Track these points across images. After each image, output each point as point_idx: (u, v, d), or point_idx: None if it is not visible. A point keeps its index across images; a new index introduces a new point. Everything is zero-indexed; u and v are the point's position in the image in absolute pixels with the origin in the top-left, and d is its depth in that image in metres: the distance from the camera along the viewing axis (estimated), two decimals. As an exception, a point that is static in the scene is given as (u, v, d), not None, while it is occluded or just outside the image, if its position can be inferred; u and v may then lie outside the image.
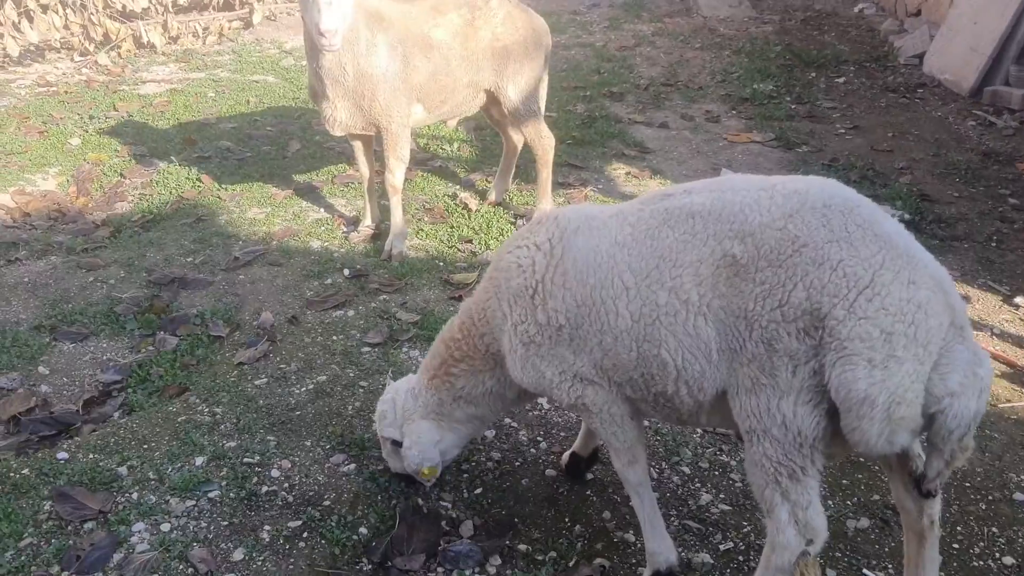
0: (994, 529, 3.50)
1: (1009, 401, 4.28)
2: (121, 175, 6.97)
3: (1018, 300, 5.19)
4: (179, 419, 4.10)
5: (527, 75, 5.78)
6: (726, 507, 3.63)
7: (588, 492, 3.72)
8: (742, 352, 2.60)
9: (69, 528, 3.43)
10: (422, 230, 6.06)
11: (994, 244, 5.97)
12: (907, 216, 6.25)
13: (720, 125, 8.36)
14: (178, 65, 9.91)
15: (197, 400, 4.25)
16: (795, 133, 8.05)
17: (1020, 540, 3.44)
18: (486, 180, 6.89)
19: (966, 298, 5.25)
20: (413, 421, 3.50)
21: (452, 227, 6.11)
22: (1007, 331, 4.93)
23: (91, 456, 3.82)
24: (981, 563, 3.34)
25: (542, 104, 6.01)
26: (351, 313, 5.02)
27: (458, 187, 6.81)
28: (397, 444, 3.57)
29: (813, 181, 2.68)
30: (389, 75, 5.22)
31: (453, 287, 5.30)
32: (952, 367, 2.42)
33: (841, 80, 9.65)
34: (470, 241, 5.91)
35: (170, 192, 6.63)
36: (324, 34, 4.74)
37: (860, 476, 3.79)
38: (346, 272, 5.47)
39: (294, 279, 5.39)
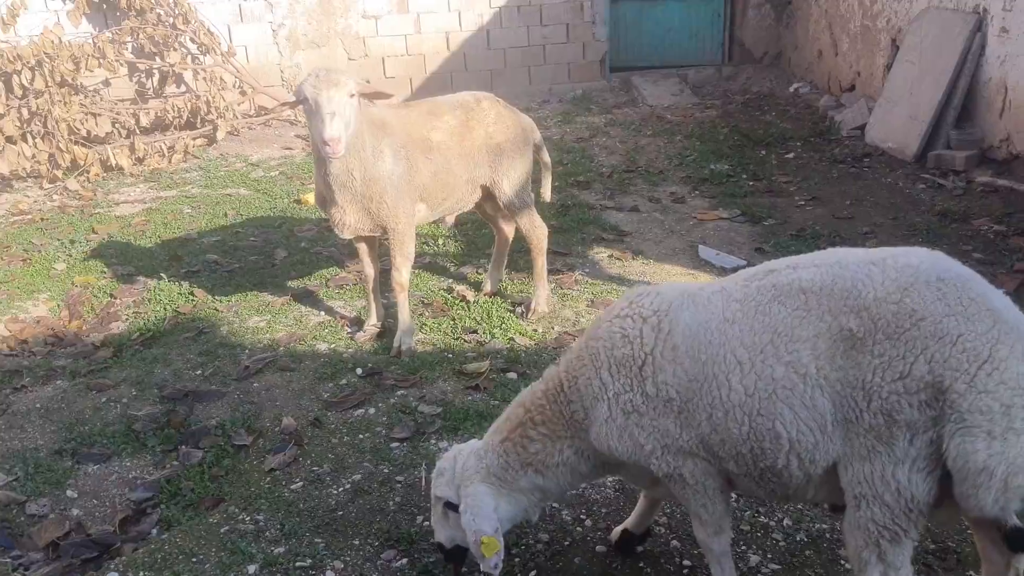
0: (1033, 562, 3.66)
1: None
2: (111, 296, 6.99)
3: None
4: (222, 530, 4.10)
5: (519, 169, 6.05)
6: (776, 567, 3.75)
7: (641, 564, 3.81)
8: (859, 423, 2.69)
9: (134, 647, 3.40)
10: (425, 324, 6.19)
11: (968, 297, 6.29)
12: (882, 277, 6.57)
13: (686, 205, 8.72)
14: (148, 185, 10.02)
15: (236, 509, 4.26)
16: (758, 208, 8.43)
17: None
18: (477, 273, 7.08)
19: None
20: (472, 483, 3.39)
21: (454, 319, 6.25)
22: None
23: (142, 574, 3.80)
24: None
25: (531, 195, 6.27)
26: (372, 411, 5.09)
27: (452, 280, 6.99)
28: (450, 508, 3.46)
29: (922, 254, 2.80)
30: (395, 178, 5.44)
31: (467, 377, 5.41)
32: None
33: (791, 156, 10.16)
34: (475, 331, 6.06)
35: (164, 308, 6.67)
36: (328, 143, 4.93)
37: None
38: (359, 371, 5.55)
39: (308, 382, 5.45)
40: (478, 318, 6.26)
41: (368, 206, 5.45)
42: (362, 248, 5.95)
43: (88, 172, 10.18)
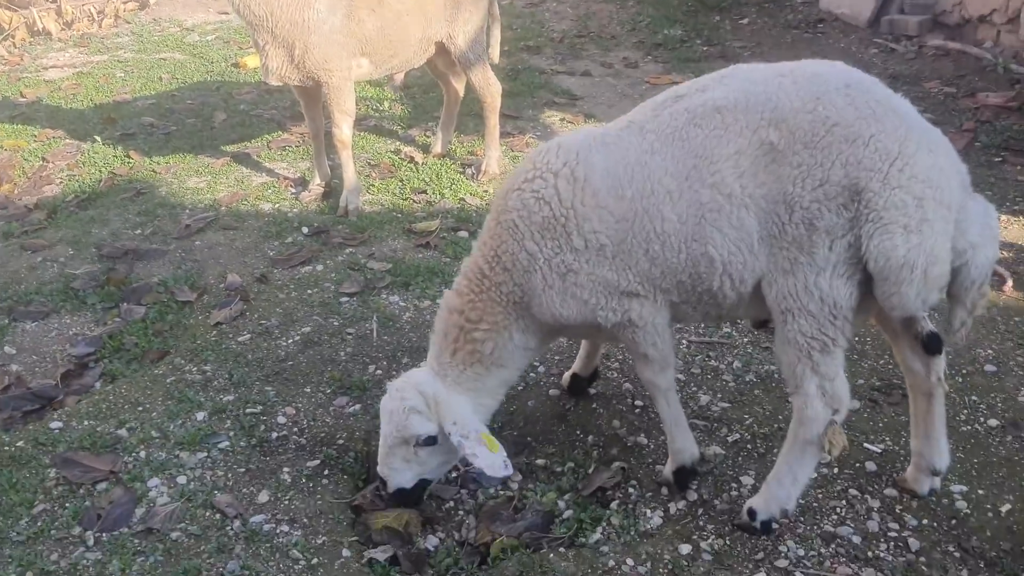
0: (974, 398, 3.76)
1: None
2: (43, 159, 6.68)
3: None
4: (168, 380, 4.01)
5: (475, 21, 5.81)
6: (725, 404, 3.79)
7: (594, 405, 3.83)
8: (782, 236, 2.71)
9: (81, 491, 3.34)
10: (372, 186, 6.03)
11: (918, 155, 6.31)
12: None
13: (639, 70, 8.55)
14: (77, 50, 9.51)
15: (182, 361, 4.17)
16: (711, 72, 8.27)
17: (999, 405, 3.70)
18: (425, 135, 6.89)
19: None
20: (446, 402, 3.16)
21: (402, 180, 6.10)
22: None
23: (86, 423, 3.72)
24: (969, 427, 3.59)
25: (484, 50, 6.04)
26: (320, 268, 4.98)
27: (399, 143, 6.79)
28: (427, 443, 3.16)
29: (825, 64, 2.82)
30: (326, 28, 5.16)
31: (417, 235, 5.31)
32: (969, 221, 2.66)
33: (745, 21, 9.97)
34: (423, 192, 5.92)
35: (100, 171, 6.40)
36: None
37: (843, 365, 4.00)
38: (305, 230, 5.41)
39: (253, 241, 5.30)
40: (427, 179, 6.11)
41: (292, 53, 5.20)
42: (302, 101, 5.73)
43: (14, 37, 9.61)
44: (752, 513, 3.06)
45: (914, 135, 2.59)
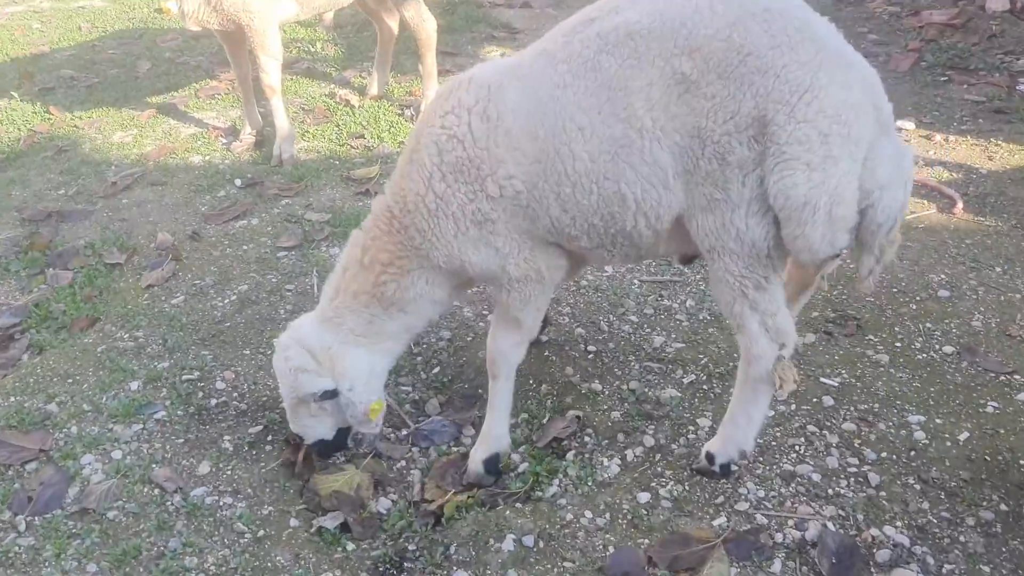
0: (928, 325, 3.71)
1: (913, 212, 4.51)
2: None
3: (898, 123, 5.43)
4: (99, 349, 3.82)
5: None
6: (680, 345, 3.70)
7: (547, 353, 3.71)
8: (696, 172, 2.56)
9: (10, 472, 3.16)
10: (307, 132, 5.79)
11: (864, 78, 6.21)
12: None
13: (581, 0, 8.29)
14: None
15: (113, 328, 3.97)
16: None
17: (954, 331, 3.66)
18: (360, 76, 6.62)
19: (851, 129, 5.47)
20: (342, 357, 3.03)
21: (338, 125, 5.87)
22: (895, 152, 5.16)
23: (12, 399, 3.52)
24: (925, 355, 3.54)
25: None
26: (255, 222, 4.77)
27: (333, 86, 6.53)
28: (327, 397, 3.05)
29: None
30: None
31: (356, 183, 5.11)
32: (879, 161, 2.49)
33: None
34: (361, 136, 5.70)
35: (18, 129, 6.07)
36: None
37: (797, 297, 3.93)
38: (238, 182, 5.17)
39: (183, 196, 5.06)
40: (364, 123, 5.88)
41: None
42: (226, 47, 5.43)
43: (-85, -14, 9.06)
44: (710, 457, 2.99)
45: (828, 67, 2.42)
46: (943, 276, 4.02)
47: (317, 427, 3.13)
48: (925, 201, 4.62)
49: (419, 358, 3.74)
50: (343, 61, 7.03)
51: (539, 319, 3.07)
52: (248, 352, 3.78)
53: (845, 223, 2.48)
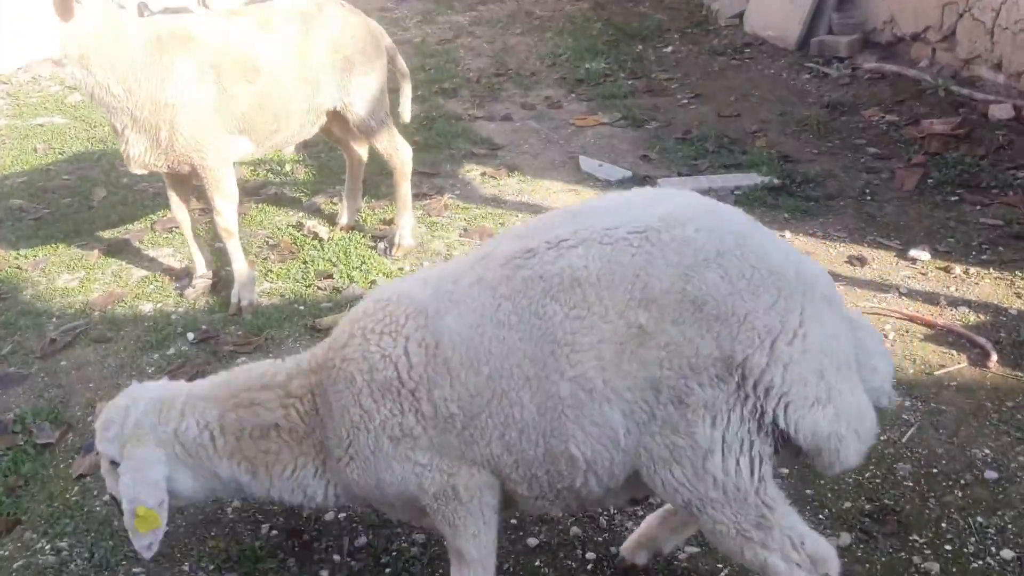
0: (979, 519, 3.20)
1: (943, 366, 4.05)
2: None
3: (913, 253, 5.02)
4: (15, 565, 3.25)
5: (373, 85, 5.16)
6: (693, 549, 3.18)
7: (536, 563, 3.17)
8: (652, 422, 2.35)
9: None
10: (271, 271, 5.31)
11: (869, 198, 5.83)
12: (776, 181, 6.04)
13: (563, 110, 7.97)
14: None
15: (34, 535, 3.41)
16: (640, 110, 7.75)
17: (1010, 527, 3.15)
18: (331, 203, 6.19)
19: (860, 259, 5.04)
20: (142, 444, 2.73)
21: (305, 262, 5.39)
22: (913, 288, 4.73)
23: (-100, 643, 2.95)
24: (980, 562, 3.02)
25: (388, 113, 5.38)
26: (207, 386, 4.25)
27: (302, 214, 6.08)
28: (116, 464, 2.79)
29: (696, 213, 2.44)
30: (196, 105, 4.49)
31: (322, 333, 4.60)
32: (869, 354, 2.48)
33: (669, 49, 9.49)
34: (330, 276, 5.21)
35: (-47, 267, 5.57)
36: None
37: (823, 482, 3.42)
38: (190, 336, 4.66)
39: (128, 355, 4.54)
40: (333, 259, 5.41)
41: (157, 137, 4.49)
42: (167, 183, 4.99)
43: None
44: None
45: (796, 303, 2.30)
46: (987, 451, 3.53)
47: (110, 482, 2.87)
48: (954, 352, 4.16)
49: (387, 570, 3.19)
50: (313, 184, 6.61)
51: (485, 550, 2.71)
52: (187, 568, 3.22)
53: (871, 432, 2.40)
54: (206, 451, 2.78)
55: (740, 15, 9.89)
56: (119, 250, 5.67)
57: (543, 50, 9.76)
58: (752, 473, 2.34)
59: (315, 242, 5.64)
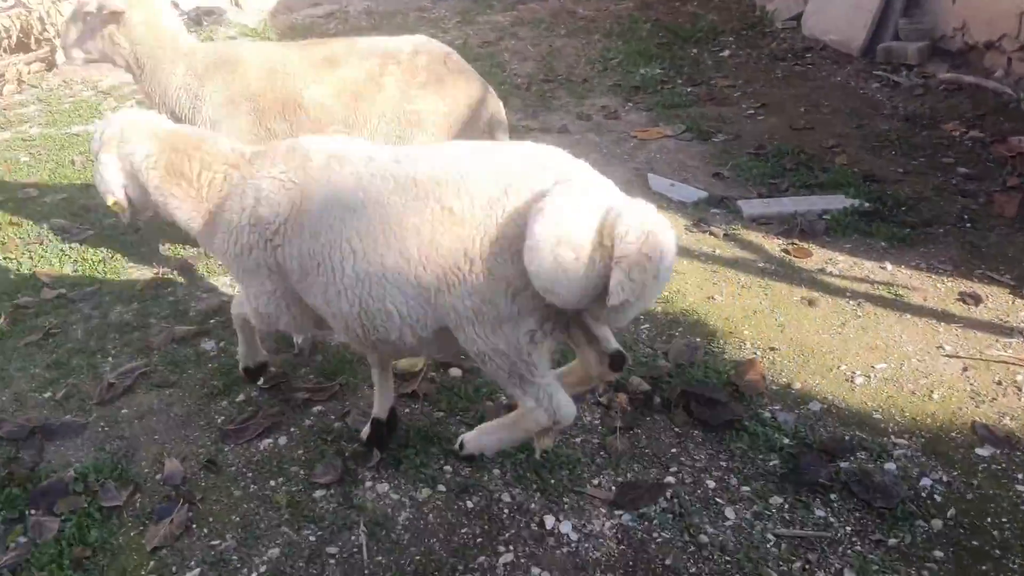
0: None
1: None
2: (-72, 283, 5.52)
3: (1029, 298, 4.68)
4: (91, 660, 2.95)
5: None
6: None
7: None
8: (463, 285, 2.91)
9: None
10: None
11: (969, 225, 5.47)
12: (866, 205, 5.68)
13: (622, 121, 7.61)
14: (-27, 125, 8.28)
15: (110, 622, 3.10)
16: (704, 120, 7.40)
17: None
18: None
19: (974, 297, 4.69)
20: (107, 153, 3.72)
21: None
22: (1037, 332, 4.39)
23: None
24: None
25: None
26: (283, 440, 3.93)
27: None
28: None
29: (515, 152, 3.05)
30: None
31: (399, 379, 4.28)
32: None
33: (726, 53, 9.11)
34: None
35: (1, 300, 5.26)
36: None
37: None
38: (260, 381, 4.34)
39: (195, 402, 4.22)
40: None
41: None
42: None
43: None
44: (462, 444, 3.65)
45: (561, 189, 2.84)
46: None
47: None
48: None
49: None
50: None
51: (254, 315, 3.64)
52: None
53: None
54: (142, 174, 3.67)
55: (797, 17, 9.51)
56: (175, 278, 5.35)
57: (592, 53, 9.40)
58: (532, 340, 2.99)
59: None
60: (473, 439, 3.61)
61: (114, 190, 3.74)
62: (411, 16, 11.18)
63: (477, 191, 2.89)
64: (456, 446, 3.66)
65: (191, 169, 3.58)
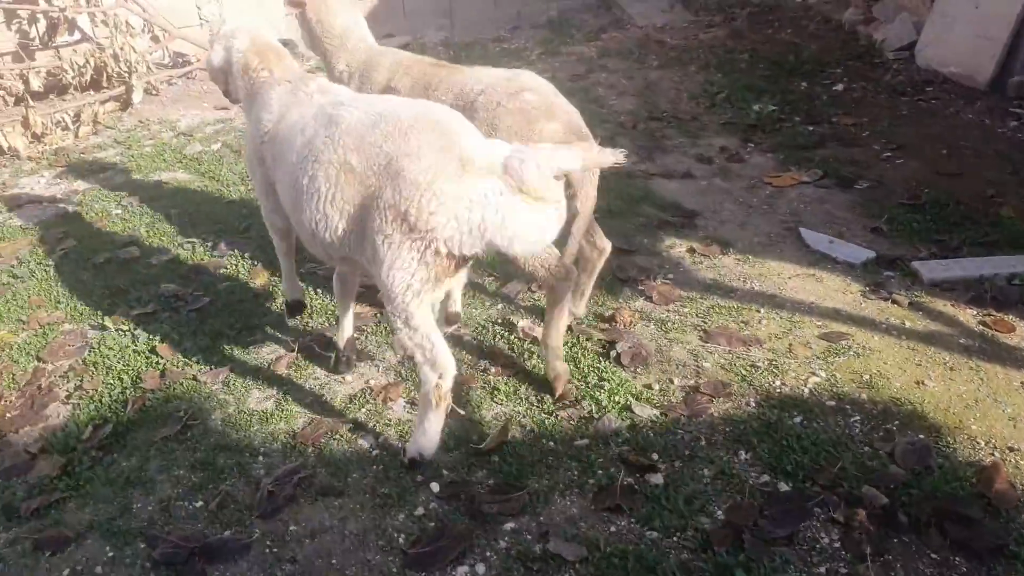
0: None
1: None
2: (38, 358, 5.10)
3: None
4: None
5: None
6: None
7: None
8: (366, 220, 3.48)
9: None
10: (496, 390, 4.50)
11: None
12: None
13: (747, 164, 7.12)
14: (53, 173, 7.87)
15: None
16: (838, 164, 6.91)
17: None
18: (531, 291, 5.39)
19: None
20: (219, 44, 4.57)
21: (529, 374, 4.58)
22: None
23: None
24: None
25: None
26: (481, 570, 3.45)
27: (501, 306, 5.27)
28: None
29: (414, 113, 3.53)
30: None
31: (599, 497, 3.78)
32: None
33: (840, 88, 8.61)
34: (572, 402, 4.40)
35: (120, 379, 4.82)
36: None
37: None
38: (435, 488, 3.87)
39: (369, 517, 3.75)
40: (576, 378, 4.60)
41: None
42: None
43: (-28, 161, 7.98)
44: (404, 451, 3.96)
45: (443, 171, 3.37)
46: None
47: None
48: None
49: None
50: (500, 266, 5.81)
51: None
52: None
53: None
54: (233, 65, 4.44)
55: (910, 47, 9.01)
56: (311, 354, 4.90)
57: (692, 87, 8.93)
58: (408, 287, 3.45)
59: (533, 346, 4.85)
60: (411, 444, 3.95)
61: (216, 59, 4.56)
62: (491, 47, 10.74)
63: (369, 153, 3.48)
64: (403, 456, 4.00)
65: (253, 70, 4.34)
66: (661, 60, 9.80)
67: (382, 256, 3.42)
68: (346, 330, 4.69)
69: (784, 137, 7.50)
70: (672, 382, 4.51)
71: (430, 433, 3.84)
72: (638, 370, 4.61)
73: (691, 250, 5.82)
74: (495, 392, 4.49)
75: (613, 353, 4.73)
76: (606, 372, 4.58)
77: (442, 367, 3.64)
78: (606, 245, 4.87)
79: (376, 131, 3.47)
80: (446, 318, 4.30)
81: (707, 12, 11.42)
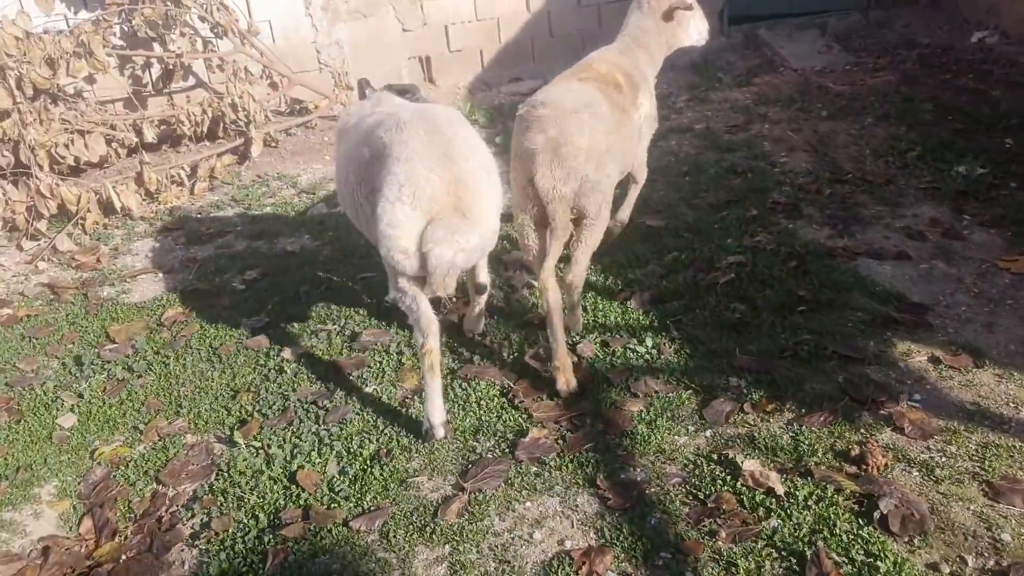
0: None
1: None
2: (157, 480, 4.31)
3: None
4: None
5: None
6: None
7: None
8: (369, 196, 4.21)
9: None
10: (734, 567, 3.49)
11: None
12: None
13: (969, 243, 5.97)
14: (168, 237, 7.18)
15: None
16: (1084, 244, 5.73)
17: None
18: (739, 411, 4.37)
19: None
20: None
21: (768, 540, 3.56)
22: None
23: None
24: None
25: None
26: None
27: (715, 438, 4.26)
28: None
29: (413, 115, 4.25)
30: None
31: None
32: None
33: (1054, 145, 7.40)
34: (848, 592, 3.36)
35: (252, 517, 3.97)
36: None
37: None
38: None
39: None
40: (805, 530, 3.56)
41: None
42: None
43: (83, 221, 7.33)
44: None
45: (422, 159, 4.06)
46: None
47: None
48: None
49: None
50: (692, 371, 4.80)
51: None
52: None
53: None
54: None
55: None
56: (479, 497, 3.96)
57: (875, 143, 7.80)
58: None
59: (770, 499, 3.82)
60: (426, 421, 4.33)
61: None
62: (630, 92, 9.80)
63: (375, 144, 4.23)
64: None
65: None
66: (829, 109, 8.70)
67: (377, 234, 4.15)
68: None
69: (1006, 208, 6.34)
70: (965, 562, 3.43)
71: (432, 400, 4.25)
72: (915, 541, 3.54)
73: (934, 359, 4.72)
74: (732, 570, 3.47)
75: (876, 514, 3.67)
76: (872, 542, 3.53)
77: (423, 332, 4.18)
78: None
79: (380, 132, 4.33)
80: (475, 288, 4.77)
81: (868, 53, 10.27)
